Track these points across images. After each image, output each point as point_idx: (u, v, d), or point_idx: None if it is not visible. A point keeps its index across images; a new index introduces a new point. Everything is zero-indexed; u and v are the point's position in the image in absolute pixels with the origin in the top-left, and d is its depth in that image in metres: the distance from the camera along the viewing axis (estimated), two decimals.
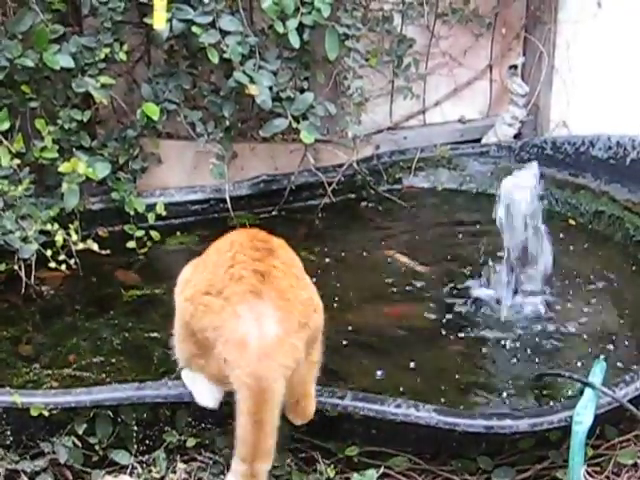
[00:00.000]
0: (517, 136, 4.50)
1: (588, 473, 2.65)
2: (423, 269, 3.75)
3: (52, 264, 3.49)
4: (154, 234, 3.84)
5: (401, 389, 3.00)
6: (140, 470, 2.67)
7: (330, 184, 4.07)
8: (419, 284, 3.65)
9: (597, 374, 2.70)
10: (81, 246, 3.52)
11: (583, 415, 2.59)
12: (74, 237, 3.49)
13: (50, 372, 3.05)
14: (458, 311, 3.47)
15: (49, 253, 3.43)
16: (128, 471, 2.66)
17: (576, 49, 4.36)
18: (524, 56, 4.54)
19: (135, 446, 2.71)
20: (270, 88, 3.75)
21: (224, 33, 3.63)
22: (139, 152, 3.86)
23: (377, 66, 4.21)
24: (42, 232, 3.51)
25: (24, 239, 3.41)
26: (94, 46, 3.57)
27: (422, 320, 3.45)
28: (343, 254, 3.88)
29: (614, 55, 4.22)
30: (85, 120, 3.60)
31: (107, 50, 3.56)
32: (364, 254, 3.88)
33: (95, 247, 3.52)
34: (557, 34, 4.41)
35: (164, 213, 3.84)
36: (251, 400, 2.30)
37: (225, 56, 3.62)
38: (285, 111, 3.83)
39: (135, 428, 2.69)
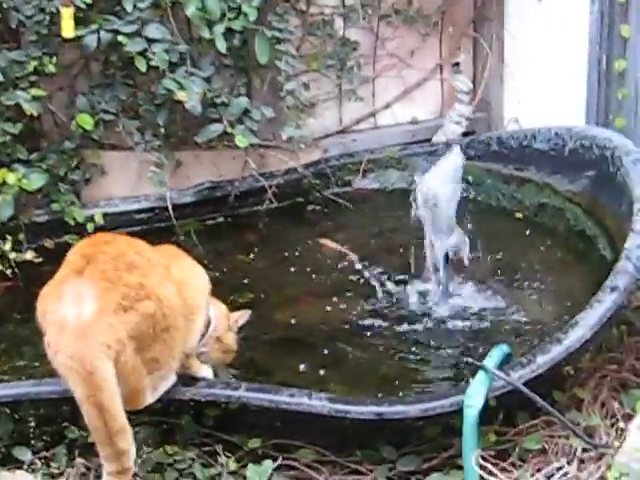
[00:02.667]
0: (467, 134, 4.47)
1: (486, 458, 2.60)
2: (354, 256, 3.79)
3: None
4: None
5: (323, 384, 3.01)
6: (39, 465, 2.67)
7: (272, 189, 4.06)
8: (351, 278, 3.65)
9: (493, 357, 2.67)
10: (14, 255, 3.55)
11: (474, 398, 2.56)
12: (7, 247, 3.51)
13: None
14: (383, 305, 3.46)
15: None
16: (26, 466, 2.67)
17: (522, 44, 4.34)
18: (473, 54, 4.52)
19: (36, 442, 2.73)
20: (204, 94, 3.77)
21: (150, 41, 3.66)
22: (79, 163, 3.91)
23: (320, 69, 4.23)
24: None
25: None
26: (24, 60, 3.61)
27: (349, 313, 3.45)
28: (284, 254, 3.91)
29: (558, 47, 4.19)
30: (17, 133, 3.63)
31: (35, 63, 3.61)
32: (303, 253, 3.90)
33: (29, 256, 3.56)
34: (504, 30, 4.38)
35: (102, 222, 3.87)
36: (81, 385, 2.31)
37: (152, 63, 3.64)
38: (220, 116, 3.84)
39: (34, 424, 2.70)
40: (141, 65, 3.65)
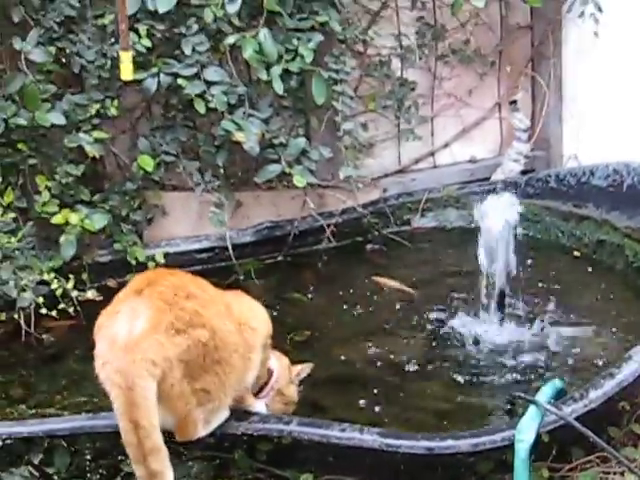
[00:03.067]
0: (527, 172, 4.46)
1: None
2: (413, 291, 3.81)
3: (54, 313, 3.61)
4: None
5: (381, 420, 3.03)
6: None
7: (330, 228, 4.10)
8: (409, 317, 3.65)
9: (545, 392, 2.65)
10: (76, 294, 3.63)
11: (525, 433, 2.54)
12: (70, 286, 3.60)
13: (34, 411, 3.15)
14: (444, 342, 3.47)
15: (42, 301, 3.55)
16: None
17: (581, 81, 4.34)
18: (532, 92, 4.52)
19: (93, 476, 2.77)
20: (262, 135, 3.83)
21: (209, 84, 3.74)
22: (141, 204, 3.99)
23: (377, 110, 4.27)
24: (44, 282, 3.64)
25: (22, 289, 3.54)
26: (86, 103, 3.72)
27: (408, 352, 3.44)
28: (341, 292, 3.92)
29: (617, 82, 4.18)
30: (79, 174, 3.73)
31: (98, 106, 3.71)
32: (361, 292, 3.91)
33: (91, 295, 3.64)
34: (562, 68, 4.38)
35: (163, 261, 3.93)
36: (120, 399, 2.33)
37: (211, 105, 3.72)
38: (279, 157, 3.90)
39: (90, 458, 2.75)
40: (200, 107, 3.73)
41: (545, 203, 4.17)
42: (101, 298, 3.77)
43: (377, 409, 3.15)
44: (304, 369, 2.96)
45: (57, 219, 3.63)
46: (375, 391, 3.25)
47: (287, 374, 2.90)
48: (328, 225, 4.13)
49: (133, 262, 3.93)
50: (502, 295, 3.47)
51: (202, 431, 2.58)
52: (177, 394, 2.44)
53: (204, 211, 4.13)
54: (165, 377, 2.39)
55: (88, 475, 2.79)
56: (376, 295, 3.91)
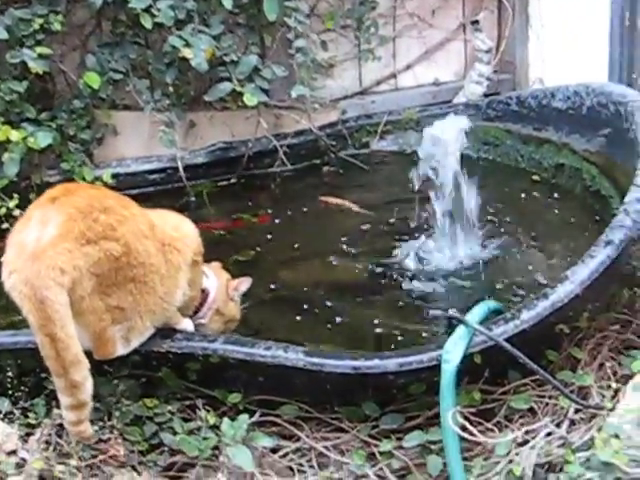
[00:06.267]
0: (492, 95, 4.35)
1: (468, 417, 2.52)
2: (361, 209, 3.78)
3: None
4: None
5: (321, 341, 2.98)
6: (17, 415, 2.66)
7: (284, 149, 4.01)
8: (358, 240, 3.60)
9: (477, 313, 2.57)
10: (19, 213, 3.54)
11: (452, 353, 2.47)
12: (12, 205, 3.52)
13: None
14: (389, 266, 3.41)
15: None
16: (3, 416, 2.65)
17: (546, 3, 4.21)
18: (498, 13, 4.40)
19: (15, 393, 2.71)
20: (213, 53, 3.73)
21: None
22: (90, 123, 3.90)
23: (335, 29, 4.15)
24: None
25: None
26: (29, 17, 3.60)
27: (351, 271, 3.40)
28: (292, 214, 3.87)
29: (582, 6, 4.06)
30: (23, 91, 3.63)
31: (41, 20, 3.59)
32: (314, 214, 3.85)
33: None
34: None
35: (111, 181, 3.84)
36: (32, 314, 2.26)
37: (158, 20, 3.60)
38: (230, 75, 3.79)
39: (13, 375, 2.69)
40: (146, 22, 3.63)
41: (506, 126, 4.06)
42: None
43: (316, 331, 3.08)
44: (242, 283, 2.88)
45: None
46: (316, 312, 3.18)
47: (225, 292, 2.82)
48: (282, 146, 4.02)
49: (81, 182, 3.82)
50: (450, 217, 3.37)
51: (121, 349, 2.52)
52: (89, 308, 2.37)
53: (156, 132, 4.03)
54: (75, 288, 2.31)
55: (11, 392, 2.72)
56: (327, 217, 3.83)
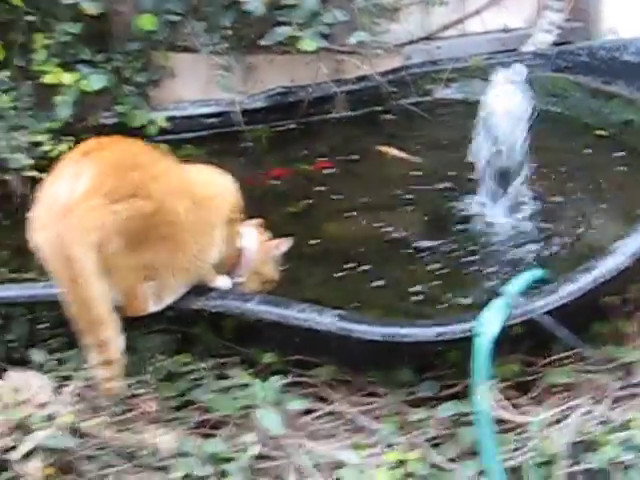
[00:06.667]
0: (561, 44, 4.17)
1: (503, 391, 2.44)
2: (419, 160, 3.68)
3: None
4: (161, 146, 3.82)
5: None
6: (52, 367, 2.67)
7: (343, 95, 3.90)
8: (411, 192, 3.51)
9: (517, 283, 2.48)
10: None
11: (487, 325, 2.39)
12: (63, 148, 3.50)
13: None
14: (440, 222, 3.34)
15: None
16: (38, 368, 2.66)
17: None
18: None
19: (52, 345, 2.72)
20: None
21: None
22: (146, 65, 3.84)
23: None
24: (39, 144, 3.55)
25: (16, 149, 3.45)
26: None
27: (402, 230, 3.31)
28: (348, 163, 3.78)
29: None
30: (78, 32, 3.59)
31: None
32: (370, 163, 3.76)
33: None
34: None
35: (166, 125, 3.80)
36: (59, 270, 2.24)
37: None
38: (289, 19, 3.70)
39: (50, 326, 2.70)
40: None
41: (576, 78, 3.89)
42: None
43: (359, 288, 3.01)
44: (281, 244, 2.81)
45: (49, 78, 3.50)
46: (360, 269, 3.11)
47: (264, 252, 2.77)
48: (342, 92, 3.91)
49: (136, 125, 3.79)
50: (505, 176, 3.25)
51: (153, 307, 2.49)
52: (118, 266, 2.33)
53: (214, 75, 3.97)
54: (104, 246, 2.27)
55: (48, 341, 2.73)
56: (383, 168, 3.74)
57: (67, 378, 2.67)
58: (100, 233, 2.26)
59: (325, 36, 3.73)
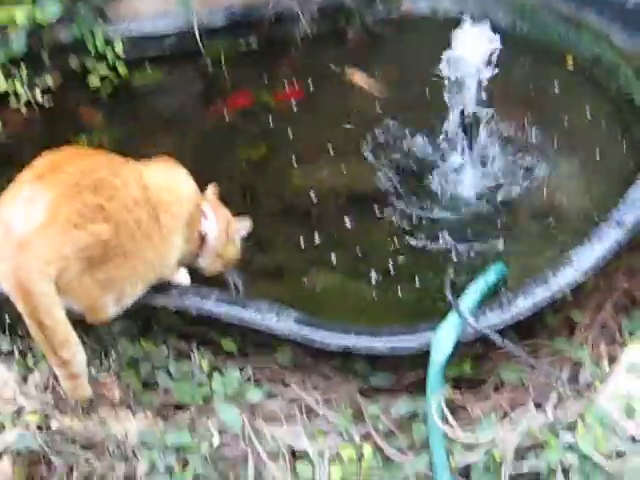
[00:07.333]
0: None
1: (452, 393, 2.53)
2: (381, 94, 3.61)
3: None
4: (121, 70, 3.73)
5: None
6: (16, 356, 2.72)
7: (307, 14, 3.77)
8: (373, 136, 3.46)
9: (470, 296, 2.51)
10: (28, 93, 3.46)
11: (442, 342, 2.44)
12: (18, 85, 3.41)
13: None
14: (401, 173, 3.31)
15: None
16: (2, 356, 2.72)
17: None
18: None
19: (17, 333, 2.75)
20: None
21: None
22: None
23: None
24: None
25: None
26: None
27: (362, 183, 3.31)
28: (310, 92, 3.71)
29: None
30: None
31: None
32: (333, 92, 3.70)
33: (39, 98, 3.45)
34: None
35: (122, 54, 3.67)
36: (19, 301, 2.26)
37: None
38: None
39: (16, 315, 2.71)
40: None
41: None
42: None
43: (318, 255, 3.05)
44: (242, 227, 2.83)
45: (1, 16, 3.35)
46: (323, 232, 3.13)
47: (224, 235, 2.78)
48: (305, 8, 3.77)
49: (92, 50, 3.67)
50: (468, 131, 3.22)
51: (114, 310, 2.52)
52: (78, 287, 2.36)
53: None
54: (62, 275, 2.30)
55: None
56: (348, 99, 3.67)
57: (28, 368, 2.73)
58: (58, 264, 2.28)
59: None
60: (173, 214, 2.55)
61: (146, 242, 2.46)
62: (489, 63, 3.05)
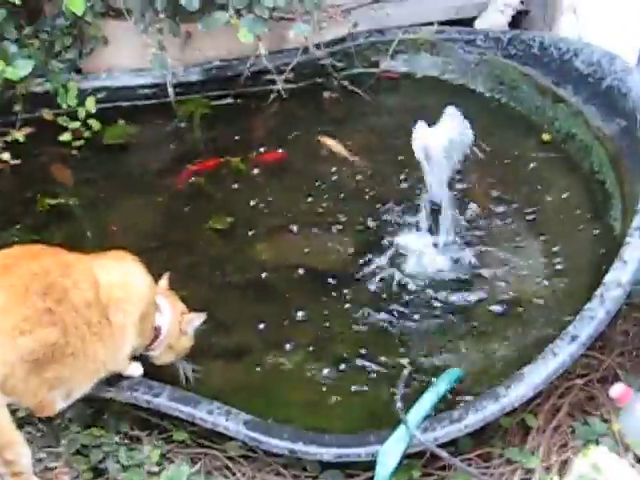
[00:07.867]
0: (523, 13, 3.96)
1: None
2: (355, 159, 3.60)
3: None
4: (94, 124, 3.71)
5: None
6: None
7: (283, 71, 3.75)
8: (344, 206, 3.44)
9: (422, 407, 2.51)
10: None
11: (388, 455, 2.44)
12: None
13: None
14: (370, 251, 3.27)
15: None
16: None
17: None
18: None
19: None
20: None
21: None
22: (75, 40, 3.64)
23: None
24: None
25: None
26: None
27: (329, 260, 3.27)
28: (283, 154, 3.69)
29: None
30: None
31: None
32: (306, 158, 3.68)
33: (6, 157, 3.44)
34: None
35: (93, 110, 3.65)
36: None
37: None
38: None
39: None
40: None
41: (526, 69, 3.74)
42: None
43: (278, 334, 3.02)
44: (195, 319, 2.80)
45: None
46: (286, 308, 3.10)
47: (177, 328, 2.76)
48: (282, 70, 3.75)
49: (64, 105, 3.65)
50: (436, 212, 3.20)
51: (62, 405, 2.51)
52: (24, 388, 2.35)
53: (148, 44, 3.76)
54: (7, 379, 2.29)
55: None
56: (320, 164, 3.64)
57: None
58: (3, 371, 2.28)
59: (266, 20, 3.52)
60: (125, 312, 2.53)
61: (96, 341, 2.45)
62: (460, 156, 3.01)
